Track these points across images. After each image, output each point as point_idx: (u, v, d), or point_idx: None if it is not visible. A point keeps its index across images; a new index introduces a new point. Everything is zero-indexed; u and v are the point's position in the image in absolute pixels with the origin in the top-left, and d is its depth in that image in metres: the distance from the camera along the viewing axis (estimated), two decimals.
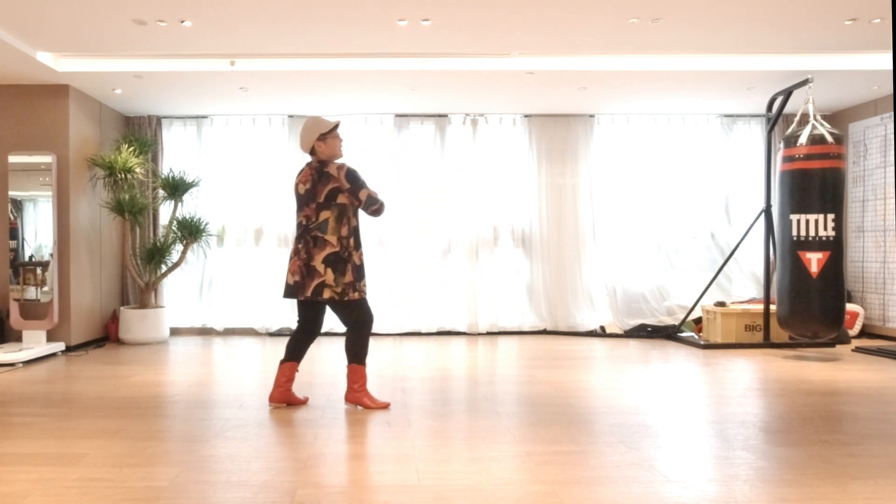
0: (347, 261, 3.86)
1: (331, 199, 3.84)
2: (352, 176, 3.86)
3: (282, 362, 4.01)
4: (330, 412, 3.88)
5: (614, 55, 5.69)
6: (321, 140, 3.91)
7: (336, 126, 3.96)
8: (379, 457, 3.04)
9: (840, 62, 5.75)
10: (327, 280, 3.81)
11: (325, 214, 3.85)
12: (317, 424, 3.60)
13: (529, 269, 7.53)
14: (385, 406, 3.99)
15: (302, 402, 4.08)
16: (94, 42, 5.16)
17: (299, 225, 3.93)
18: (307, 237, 3.87)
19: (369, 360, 5.75)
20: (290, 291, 3.91)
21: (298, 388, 4.54)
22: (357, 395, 3.99)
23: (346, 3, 4.42)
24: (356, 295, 3.87)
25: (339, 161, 3.96)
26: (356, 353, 3.96)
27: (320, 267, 3.82)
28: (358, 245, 3.94)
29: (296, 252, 3.90)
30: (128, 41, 5.14)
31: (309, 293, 3.82)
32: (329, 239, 3.84)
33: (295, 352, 4.02)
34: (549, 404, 4.06)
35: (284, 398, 4.03)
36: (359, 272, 3.91)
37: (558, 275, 7.47)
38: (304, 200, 3.91)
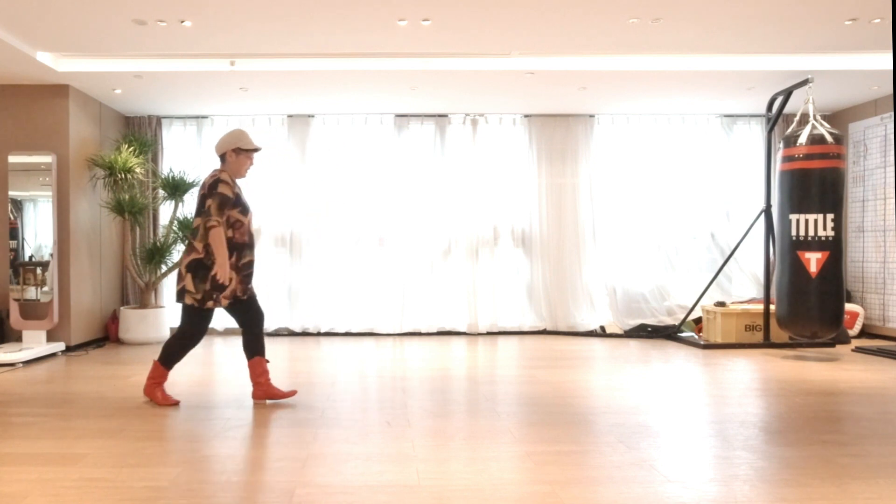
0: (210, 268, 3.91)
1: (201, 207, 3.94)
2: (213, 185, 3.92)
3: (155, 360, 4.11)
4: (330, 412, 3.88)
5: (614, 55, 5.69)
6: (235, 152, 4.02)
7: (255, 150, 4.10)
8: (379, 457, 3.04)
9: (840, 62, 5.75)
10: (187, 285, 3.92)
11: (197, 221, 3.97)
12: (317, 424, 3.60)
13: (529, 269, 7.53)
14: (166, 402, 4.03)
15: (168, 402, 4.07)
16: (94, 42, 5.16)
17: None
18: (188, 242, 4.00)
19: (369, 359, 5.75)
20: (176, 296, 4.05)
21: (301, 388, 4.54)
22: (263, 389, 4.11)
23: (346, 3, 4.42)
24: (208, 303, 3.92)
25: (219, 176, 3.97)
26: (165, 354, 4.05)
27: (183, 270, 3.95)
28: (238, 256, 3.98)
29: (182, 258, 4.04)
30: (128, 41, 5.14)
31: (175, 297, 3.99)
32: (196, 245, 3.95)
33: (169, 356, 4.08)
34: (549, 404, 4.06)
35: (267, 393, 4.13)
36: (231, 278, 3.95)
37: (558, 275, 7.47)
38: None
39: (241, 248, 3.99)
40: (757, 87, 6.36)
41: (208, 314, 4.00)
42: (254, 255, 4.10)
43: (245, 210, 4.02)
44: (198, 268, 3.91)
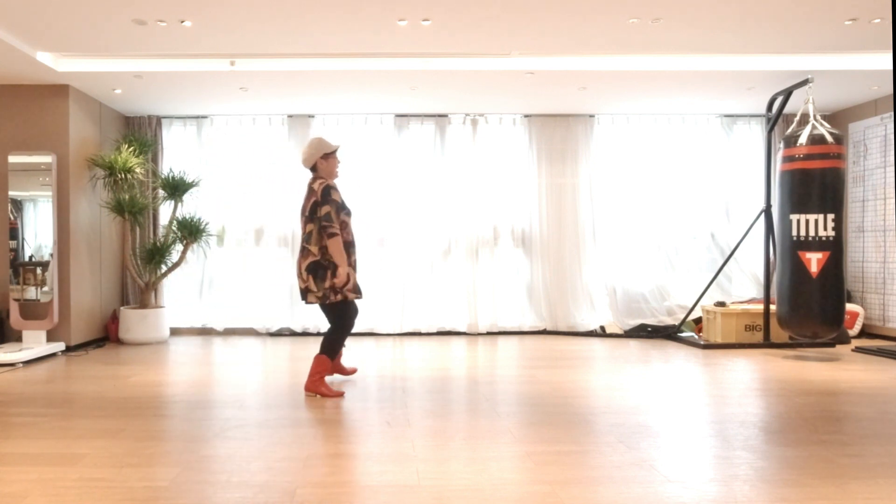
0: (328, 268, 4.26)
1: (313, 213, 4.28)
2: (325, 192, 4.27)
3: (318, 355, 4.40)
4: (330, 412, 3.88)
5: (614, 55, 5.69)
6: (324, 158, 4.38)
7: (337, 149, 4.43)
8: (379, 457, 3.04)
9: (840, 62, 5.75)
10: (309, 286, 4.28)
11: (309, 227, 4.32)
12: (317, 424, 3.60)
13: (529, 269, 7.53)
14: (332, 394, 4.29)
15: (334, 395, 4.32)
16: (94, 42, 5.16)
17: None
18: (302, 247, 4.34)
19: (369, 359, 5.75)
20: (301, 295, 4.39)
21: (301, 389, 4.54)
22: (315, 384, 4.37)
23: (346, 3, 4.42)
24: (332, 298, 4.26)
25: (324, 180, 4.32)
26: (326, 346, 4.39)
27: (304, 274, 4.30)
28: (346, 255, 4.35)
29: (298, 261, 4.37)
30: (128, 41, 5.14)
31: (301, 297, 4.36)
32: (312, 249, 4.28)
33: (328, 348, 4.44)
34: (549, 404, 4.06)
35: (314, 388, 4.37)
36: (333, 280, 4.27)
37: (558, 275, 7.47)
38: (301, 212, 4.40)
39: (349, 246, 4.36)
40: (757, 87, 6.36)
41: (346, 305, 4.36)
42: (356, 254, 4.44)
43: (349, 212, 4.39)
44: (317, 269, 4.26)
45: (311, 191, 4.31)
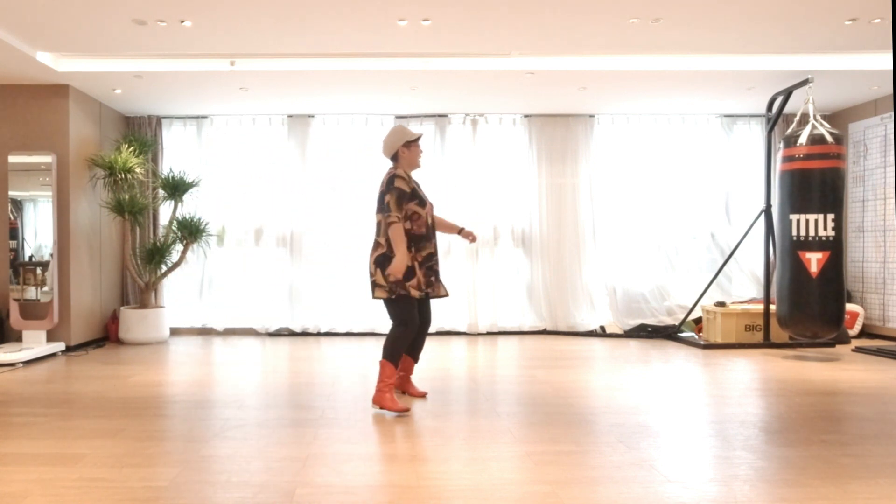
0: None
1: (381, 204, 4.02)
2: (391, 181, 3.99)
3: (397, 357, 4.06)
4: (330, 412, 3.88)
5: (614, 55, 5.69)
6: (406, 147, 4.10)
7: (419, 137, 4.15)
8: (379, 457, 3.04)
9: (840, 62, 5.75)
10: (377, 279, 3.98)
11: (379, 217, 4.05)
12: (317, 424, 3.60)
13: (529, 269, 7.53)
14: (397, 408, 3.89)
15: (397, 409, 3.89)
16: (94, 42, 5.16)
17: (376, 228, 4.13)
18: (374, 239, 4.07)
19: (370, 359, 5.75)
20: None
21: (301, 389, 4.54)
22: (400, 381, 4.31)
23: (346, 3, 4.42)
24: (397, 291, 3.94)
25: (396, 172, 4.04)
26: (388, 350, 4.00)
27: (372, 266, 4.03)
28: (420, 248, 4.03)
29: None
30: (128, 41, 5.14)
31: (371, 291, 4.04)
32: (380, 241, 4.02)
33: (409, 347, 4.24)
34: (549, 404, 4.06)
35: (400, 385, 4.29)
36: (416, 271, 3.99)
37: (558, 275, 7.47)
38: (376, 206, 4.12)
39: (419, 239, 4.04)
40: (757, 87, 6.36)
41: (409, 302, 3.98)
42: (434, 248, 4.13)
43: (422, 202, 4.08)
44: (384, 261, 3.98)
45: (382, 181, 4.07)
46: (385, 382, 3.91)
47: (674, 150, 7.54)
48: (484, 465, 2.92)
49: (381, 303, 7.33)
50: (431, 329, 7.37)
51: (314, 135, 7.43)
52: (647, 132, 7.54)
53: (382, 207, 3.99)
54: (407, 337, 3.98)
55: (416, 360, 4.33)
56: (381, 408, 3.88)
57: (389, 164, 4.03)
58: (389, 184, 3.99)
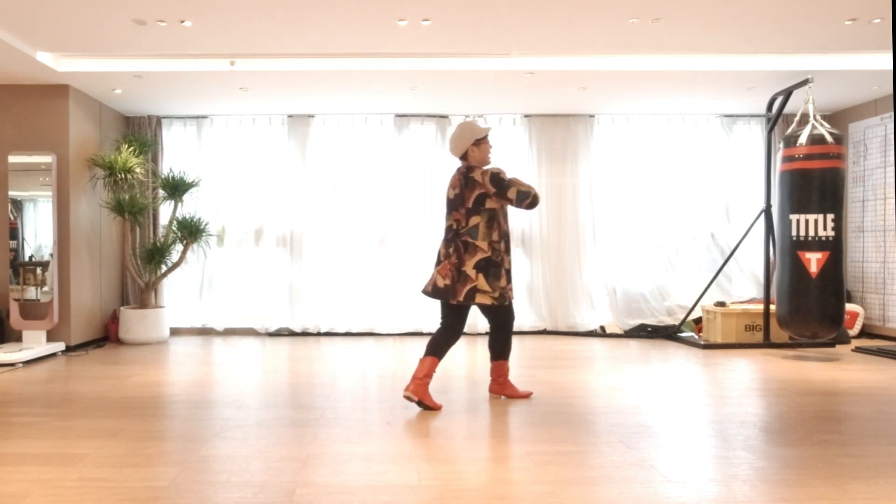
0: (500, 265, 3.92)
1: (479, 205, 3.89)
2: (495, 180, 3.89)
3: (423, 357, 3.97)
4: (330, 412, 3.88)
5: (614, 55, 5.69)
6: (475, 145, 4.00)
7: (488, 132, 4.06)
8: (379, 457, 3.04)
9: (840, 62, 5.75)
10: (479, 285, 3.87)
11: (474, 220, 3.90)
12: (317, 424, 3.60)
13: (529, 269, 7.53)
14: (527, 395, 4.19)
15: (436, 407, 3.93)
16: (94, 42, 5.16)
17: (449, 229, 4.00)
18: (457, 242, 3.93)
19: (369, 359, 5.75)
20: (439, 293, 3.94)
21: (301, 389, 4.54)
22: (502, 387, 4.22)
23: (346, 3, 4.42)
24: (508, 297, 3.97)
25: (485, 167, 3.99)
26: (502, 350, 4.14)
27: (471, 272, 3.87)
28: (508, 250, 4.01)
29: (446, 255, 3.96)
30: (128, 41, 5.14)
31: (461, 297, 3.87)
32: (480, 244, 3.88)
33: (437, 349, 3.98)
34: (549, 404, 4.06)
35: (421, 393, 3.91)
36: (508, 276, 4.00)
37: (558, 275, 7.47)
38: (452, 205, 3.99)
39: (509, 241, 4.07)
40: (757, 87, 6.36)
41: (510, 306, 4.06)
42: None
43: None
44: (488, 266, 3.87)
45: (471, 181, 3.89)
46: (505, 376, 4.15)
47: (674, 150, 7.53)
48: (484, 465, 2.92)
49: (382, 304, 7.35)
50: (431, 329, 7.37)
51: (314, 135, 7.43)
52: (647, 132, 7.54)
53: (480, 210, 3.88)
54: (511, 336, 4.16)
55: (507, 360, 4.25)
56: (508, 397, 4.16)
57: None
58: (498, 181, 3.86)
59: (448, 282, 3.91)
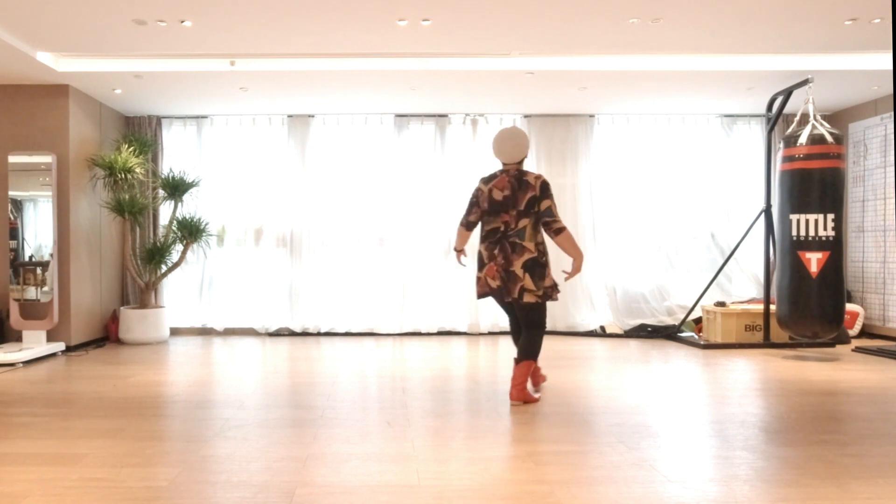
0: (545, 265, 4.06)
1: (530, 208, 4.02)
2: (544, 187, 4.05)
3: (517, 361, 4.09)
4: (330, 412, 3.88)
5: (614, 55, 5.69)
6: (527, 152, 4.21)
7: None
8: (379, 457, 3.04)
9: (840, 62, 5.75)
10: (526, 284, 4.00)
11: (524, 222, 4.03)
12: (317, 424, 3.60)
13: None
14: (536, 400, 4.15)
15: (535, 401, 4.13)
16: (94, 42, 5.16)
17: (495, 231, 4.07)
18: (505, 242, 4.04)
19: (369, 359, 5.75)
20: (494, 293, 4.09)
21: (301, 389, 4.54)
22: (521, 392, 4.11)
23: (346, 3, 4.42)
24: (553, 296, 4.08)
25: (538, 174, 4.13)
26: (533, 350, 4.12)
27: (519, 272, 4.00)
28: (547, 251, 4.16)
29: (491, 256, 4.07)
30: (128, 41, 5.13)
31: (515, 295, 4.02)
32: (527, 245, 4.01)
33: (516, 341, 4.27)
34: (549, 404, 4.05)
35: (522, 397, 4.08)
36: (551, 276, 4.13)
37: (558, 275, 7.46)
38: (501, 206, 4.07)
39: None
40: (757, 87, 6.36)
41: (546, 308, 4.18)
42: None
43: None
44: (534, 266, 4.01)
45: (524, 184, 4.03)
46: (526, 379, 4.09)
47: (674, 151, 7.53)
48: (484, 465, 2.92)
49: (382, 304, 7.35)
50: (431, 329, 7.39)
51: (314, 135, 7.43)
52: (647, 132, 7.54)
53: (530, 212, 4.01)
54: (543, 337, 4.23)
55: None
56: (525, 402, 4.08)
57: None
58: (547, 190, 4.03)
59: (499, 282, 4.05)
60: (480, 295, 4.15)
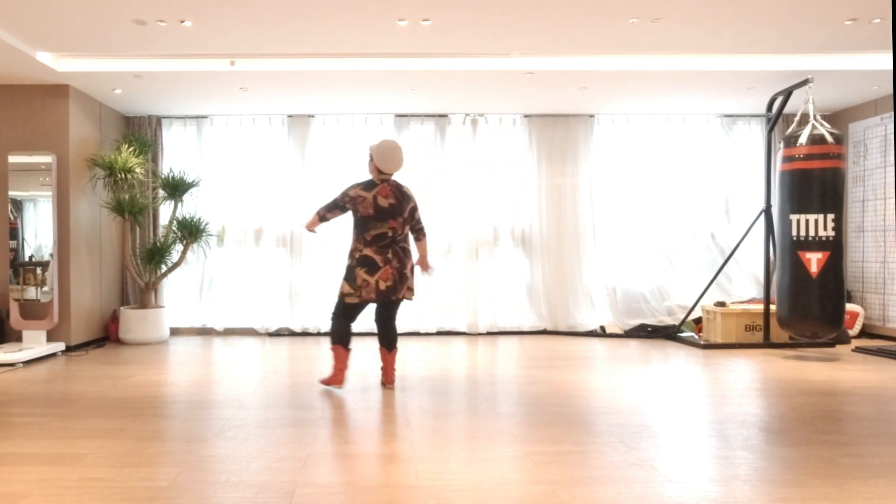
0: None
1: (411, 217, 4.46)
2: (415, 197, 4.55)
3: (389, 350, 4.58)
4: (330, 412, 3.88)
5: (614, 55, 5.69)
6: None
7: None
8: (379, 457, 3.04)
9: (840, 62, 5.75)
10: (411, 284, 4.47)
11: (407, 228, 4.46)
12: (317, 424, 3.60)
13: (529, 269, 7.53)
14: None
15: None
16: (94, 42, 5.16)
17: (383, 236, 4.36)
18: (396, 247, 4.39)
19: (370, 359, 5.75)
20: (382, 296, 4.36)
21: (301, 389, 4.54)
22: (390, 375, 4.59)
23: (346, 3, 4.42)
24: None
25: (405, 185, 4.54)
26: (397, 338, 4.63)
27: (409, 274, 4.44)
28: None
29: (386, 261, 4.35)
30: (128, 41, 5.14)
31: (400, 294, 4.41)
32: (410, 250, 4.50)
33: (348, 339, 4.57)
34: (549, 404, 4.06)
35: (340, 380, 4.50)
36: None
37: (558, 275, 7.47)
38: (388, 213, 4.37)
39: None
40: (757, 87, 6.36)
41: None
42: None
43: None
44: (414, 268, 4.55)
45: (405, 195, 4.43)
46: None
47: (674, 151, 7.53)
48: (484, 465, 2.92)
49: (373, 304, 7.33)
50: (432, 329, 7.39)
51: (314, 135, 7.42)
52: (647, 132, 7.54)
53: (412, 220, 4.46)
54: None
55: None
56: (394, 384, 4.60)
57: (363, 170, 4.47)
58: (415, 199, 4.51)
59: (390, 283, 4.36)
60: (365, 300, 4.38)
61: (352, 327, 4.57)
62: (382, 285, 4.34)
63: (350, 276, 4.38)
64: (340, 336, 4.49)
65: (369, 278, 4.32)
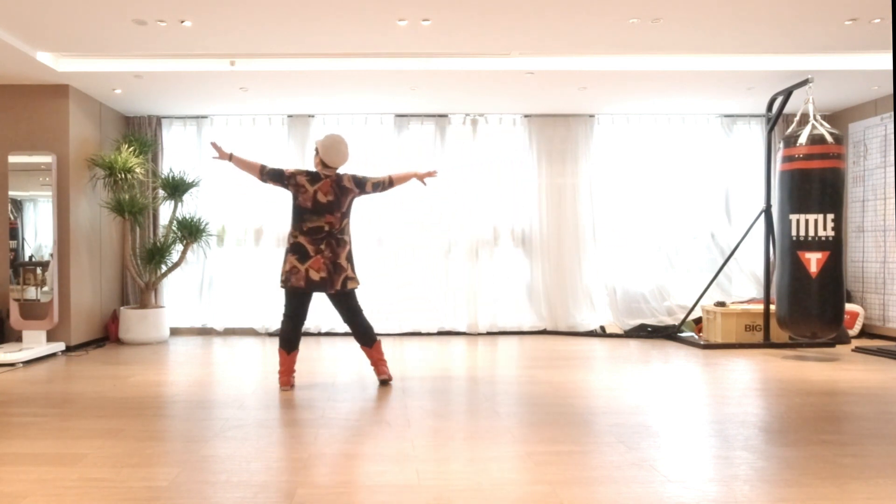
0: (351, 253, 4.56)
1: (350, 209, 4.51)
2: (356, 179, 4.51)
3: (370, 344, 4.60)
4: (330, 412, 3.88)
5: (614, 55, 5.68)
6: None
7: None
8: (379, 457, 3.04)
9: (840, 62, 5.75)
10: (349, 273, 4.45)
11: (345, 221, 4.50)
12: (317, 424, 3.60)
13: (529, 269, 7.53)
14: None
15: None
16: (94, 42, 5.16)
17: (319, 229, 4.40)
18: (331, 239, 4.41)
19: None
20: (316, 286, 4.37)
21: (301, 389, 4.54)
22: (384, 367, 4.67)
23: (346, 3, 4.42)
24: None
25: (343, 173, 4.52)
26: (373, 330, 4.63)
27: (344, 263, 4.43)
28: None
29: (318, 251, 4.37)
30: (128, 41, 5.13)
31: (339, 286, 4.40)
32: (346, 239, 4.49)
33: (297, 341, 4.53)
34: (549, 404, 4.06)
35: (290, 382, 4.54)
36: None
37: (558, 275, 7.47)
38: (326, 209, 4.42)
39: None
40: (757, 87, 6.36)
41: None
42: None
43: None
44: (351, 256, 4.55)
45: (344, 189, 4.44)
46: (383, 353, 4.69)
47: (674, 150, 7.53)
48: (484, 465, 2.92)
49: (381, 304, 7.35)
50: (431, 329, 7.39)
51: (314, 135, 7.42)
52: (647, 132, 7.54)
53: (348, 212, 4.51)
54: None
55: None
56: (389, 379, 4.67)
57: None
58: (358, 178, 4.51)
59: (324, 274, 4.37)
60: (296, 289, 4.34)
61: (299, 330, 4.50)
62: (315, 276, 4.34)
63: (283, 261, 4.45)
64: (284, 339, 4.49)
65: (299, 265, 4.35)
